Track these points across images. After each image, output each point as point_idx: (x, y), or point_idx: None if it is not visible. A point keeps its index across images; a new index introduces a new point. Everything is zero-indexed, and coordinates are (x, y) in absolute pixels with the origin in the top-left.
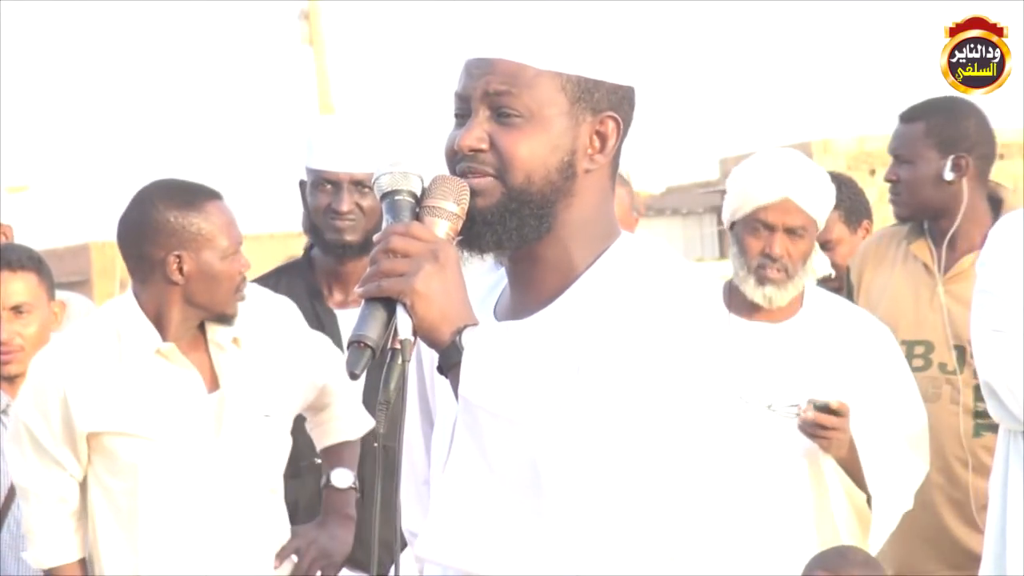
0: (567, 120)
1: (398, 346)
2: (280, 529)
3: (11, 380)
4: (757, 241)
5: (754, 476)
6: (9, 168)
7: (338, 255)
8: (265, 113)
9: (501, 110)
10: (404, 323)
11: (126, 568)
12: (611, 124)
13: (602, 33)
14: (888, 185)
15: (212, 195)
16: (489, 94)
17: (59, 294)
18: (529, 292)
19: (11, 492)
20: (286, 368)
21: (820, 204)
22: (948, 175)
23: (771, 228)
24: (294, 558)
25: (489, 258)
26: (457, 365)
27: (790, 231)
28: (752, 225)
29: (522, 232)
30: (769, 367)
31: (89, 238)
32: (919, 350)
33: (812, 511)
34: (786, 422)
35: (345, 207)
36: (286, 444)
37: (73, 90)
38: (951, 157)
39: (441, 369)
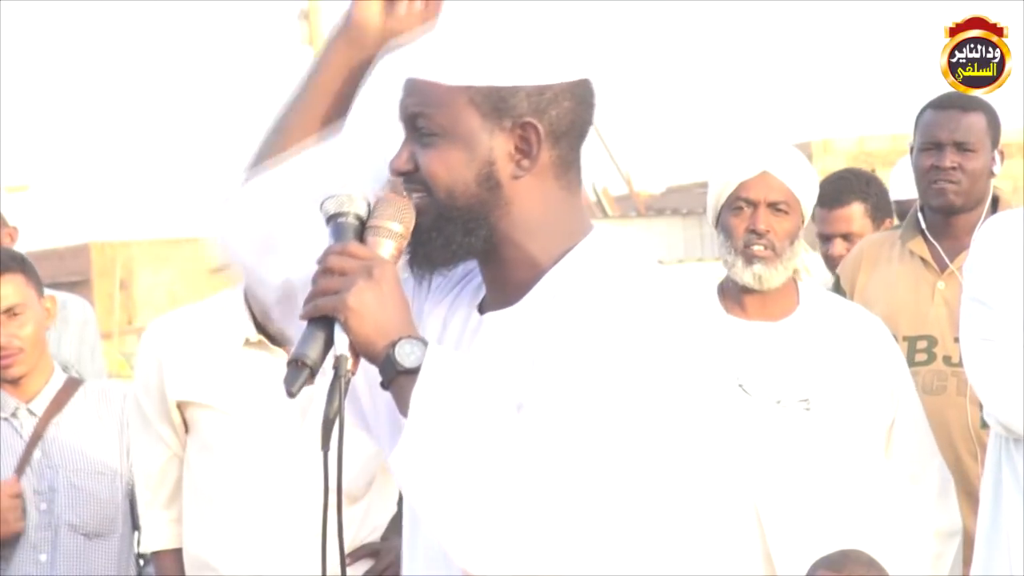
0: (482, 133)
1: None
2: (357, 535)
3: (15, 383)
4: (740, 220)
5: (761, 470)
6: (9, 168)
7: None
8: (265, 113)
9: (420, 130)
10: (341, 340)
11: (200, 545)
12: (531, 130)
13: (518, 36)
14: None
15: None
16: (409, 115)
17: (57, 295)
18: (498, 290)
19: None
20: None
21: (800, 180)
22: (998, 169)
23: (753, 204)
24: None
25: (453, 275)
26: (394, 378)
27: (773, 206)
28: (734, 205)
29: (450, 248)
30: (773, 364)
31: (89, 238)
32: (921, 344)
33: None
34: (796, 417)
35: None
36: (377, 457)
37: (73, 90)
38: (997, 151)
39: (383, 384)
